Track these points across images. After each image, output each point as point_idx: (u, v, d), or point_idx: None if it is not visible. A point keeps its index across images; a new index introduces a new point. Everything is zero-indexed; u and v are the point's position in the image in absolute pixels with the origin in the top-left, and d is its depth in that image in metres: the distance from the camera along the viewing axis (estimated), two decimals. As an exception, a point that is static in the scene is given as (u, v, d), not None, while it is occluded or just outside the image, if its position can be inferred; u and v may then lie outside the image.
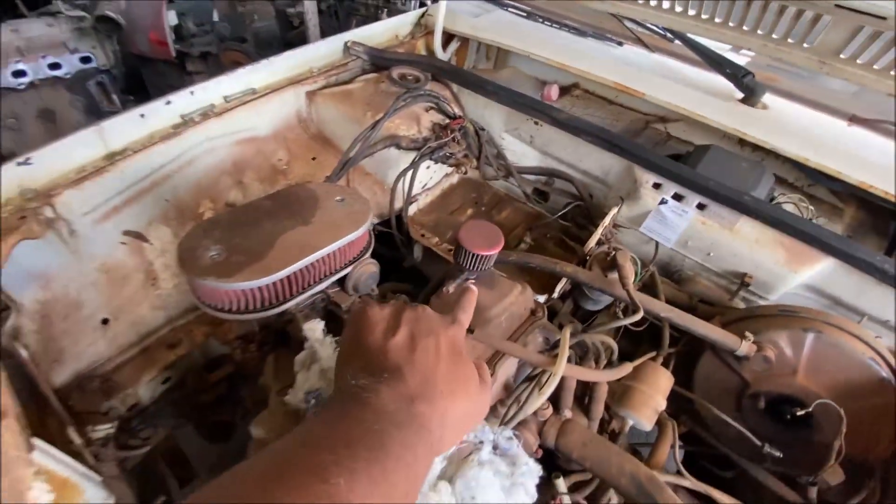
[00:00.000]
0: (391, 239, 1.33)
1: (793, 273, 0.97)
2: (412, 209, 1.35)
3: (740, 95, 1.18)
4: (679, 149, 1.34)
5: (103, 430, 0.92)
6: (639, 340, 1.13)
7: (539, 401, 0.72)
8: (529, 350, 0.81)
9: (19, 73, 2.30)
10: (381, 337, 0.45)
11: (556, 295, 1.11)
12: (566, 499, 0.71)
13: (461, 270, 0.92)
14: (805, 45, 1.02)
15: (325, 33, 3.86)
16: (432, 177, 1.38)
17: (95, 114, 2.53)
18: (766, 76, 1.25)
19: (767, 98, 1.18)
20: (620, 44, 1.44)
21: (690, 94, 1.20)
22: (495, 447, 0.61)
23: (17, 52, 2.30)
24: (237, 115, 1.25)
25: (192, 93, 1.17)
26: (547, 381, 0.73)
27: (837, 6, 0.87)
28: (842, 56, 0.98)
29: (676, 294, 1.12)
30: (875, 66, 0.96)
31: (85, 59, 2.47)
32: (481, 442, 0.61)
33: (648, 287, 1.12)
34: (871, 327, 0.97)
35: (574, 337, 0.88)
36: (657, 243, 1.14)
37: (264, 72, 1.31)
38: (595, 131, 1.13)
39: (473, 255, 0.86)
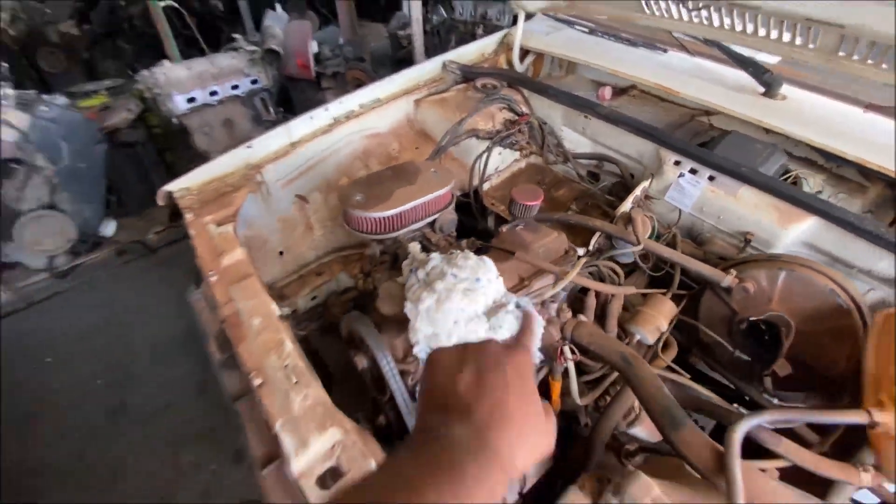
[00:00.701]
0: (469, 208, 1.76)
1: (784, 230, 1.20)
2: (486, 186, 1.76)
3: (762, 90, 1.40)
4: (713, 135, 1.58)
5: (286, 311, 1.48)
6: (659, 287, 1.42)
7: (553, 291, 1.09)
8: (554, 266, 1.19)
9: (213, 93, 3.18)
10: (451, 378, 0.48)
11: (591, 247, 1.45)
12: (567, 351, 1.07)
13: (514, 218, 1.33)
14: (811, 46, 1.24)
15: (428, 50, 4.46)
16: (504, 161, 1.79)
17: (258, 122, 3.35)
18: (793, 72, 1.44)
19: (788, 90, 1.39)
20: (665, 51, 1.71)
21: (719, 90, 1.46)
22: (518, 305, 1.00)
23: (212, 78, 3.18)
24: (368, 117, 1.78)
25: (340, 102, 1.72)
26: (561, 281, 1.10)
27: (807, 20, 1.10)
28: (840, 54, 1.19)
29: (694, 251, 1.39)
30: (868, 61, 1.16)
31: (254, 81, 3.31)
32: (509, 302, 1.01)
33: (671, 244, 1.41)
34: (860, 278, 1.17)
35: (588, 265, 1.23)
36: (679, 210, 1.42)
37: (387, 85, 1.83)
38: (628, 121, 1.45)
39: (521, 205, 1.27)
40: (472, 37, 4.44)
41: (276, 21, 3.31)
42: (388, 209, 1.23)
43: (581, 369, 1.23)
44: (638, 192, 1.45)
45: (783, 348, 1.04)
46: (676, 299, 1.32)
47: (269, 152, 1.61)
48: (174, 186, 1.46)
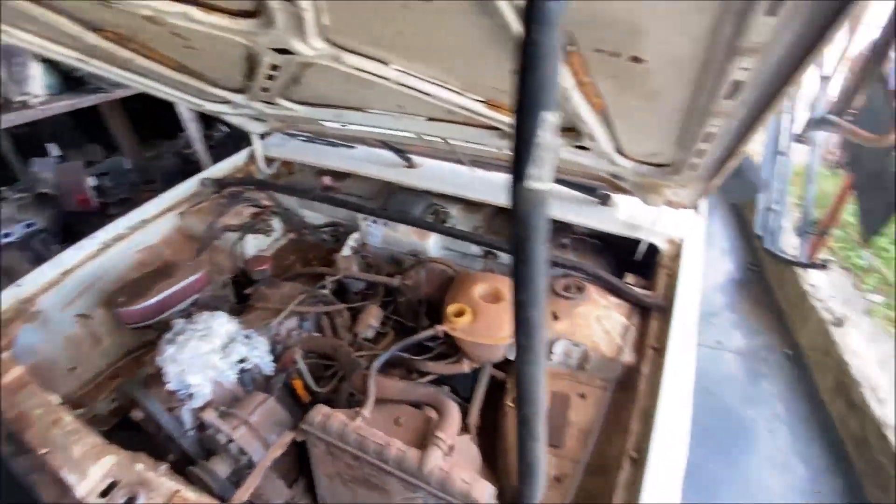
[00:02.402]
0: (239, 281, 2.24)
1: (423, 243, 1.96)
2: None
3: (405, 163, 2.24)
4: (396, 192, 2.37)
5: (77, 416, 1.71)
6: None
7: (277, 319, 1.63)
8: (279, 307, 1.73)
9: (-21, 246, 3.12)
10: None
11: (326, 288, 2.03)
12: (297, 356, 1.59)
13: (257, 281, 1.85)
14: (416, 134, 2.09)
15: (220, 157, 4.92)
16: (265, 242, 2.33)
17: (42, 262, 3.34)
18: (424, 148, 2.32)
19: (421, 161, 2.25)
20: (354, 147, 2.50)
21: (382, 167, 2.25)
22: (247, 336, 1.51)
23: (-25, 232, 3.13)
24: (136, 236, 2.16)
25: (105, 230, 2.08)
26: (282, 314, 1.65)
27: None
28: (428, 139, 2.06)
29: (393, 269, 2.09)
30: (444, 142, 2.03)
31: (29, 225, 3.33)
32: (239, 336, 1.51)
33: (379, 270, 2.09)
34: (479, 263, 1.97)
35: (308, 298, 1.82)
36: (381, 246, 2.12)
37: (151, 207, 2.25)
38: (328, 198, 2.14)
39: (256, 269, 1.80)
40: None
41: (44, 166, 3.45)
42: (147, 300, 1.65)
43: (326, 369, 1.77)
44: (351, 241, 2.12)
45: (420, 314, 1.74)
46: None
47: (41, 284, 1.88)
48: (-56, 336, 1.64)
